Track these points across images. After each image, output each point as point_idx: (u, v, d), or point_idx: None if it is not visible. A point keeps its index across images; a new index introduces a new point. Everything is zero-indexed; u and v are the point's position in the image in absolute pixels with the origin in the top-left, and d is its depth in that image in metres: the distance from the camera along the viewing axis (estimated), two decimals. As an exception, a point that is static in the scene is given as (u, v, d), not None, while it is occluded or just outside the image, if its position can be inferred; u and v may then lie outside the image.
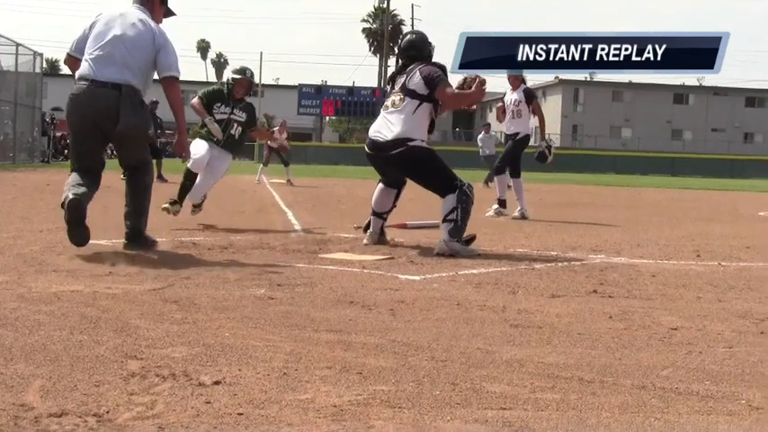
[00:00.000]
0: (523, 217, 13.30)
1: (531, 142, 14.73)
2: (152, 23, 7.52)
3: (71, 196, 6.96)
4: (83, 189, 7.11)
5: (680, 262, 7.94)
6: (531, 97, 13.99)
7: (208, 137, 10.18)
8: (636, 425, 3.04)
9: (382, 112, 8.41)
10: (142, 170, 7.62)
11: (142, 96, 7.44)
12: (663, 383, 3.59)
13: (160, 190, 12.92)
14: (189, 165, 9.84)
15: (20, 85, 34.13)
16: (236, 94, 10.41)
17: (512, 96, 13.97)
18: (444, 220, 7.91)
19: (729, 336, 4.65)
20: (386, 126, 8.26)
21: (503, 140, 14.92)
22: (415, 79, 8.24)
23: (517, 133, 13.93)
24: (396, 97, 8.30)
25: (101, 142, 7.59)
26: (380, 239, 8.45)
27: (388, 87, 8.61)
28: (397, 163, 8.22)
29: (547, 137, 14.52)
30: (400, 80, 8.35)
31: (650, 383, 3.58)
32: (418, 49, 8.55)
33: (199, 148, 10.05)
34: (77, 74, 7.40)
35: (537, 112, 14.14)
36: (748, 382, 3.68)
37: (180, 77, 7.67)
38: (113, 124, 7.23)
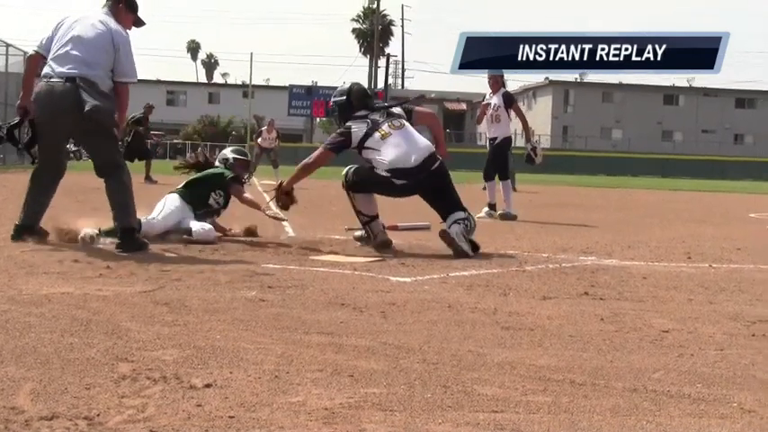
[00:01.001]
0: (509, 216, 13.33)
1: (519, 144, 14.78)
2: (113, 25, 7.71)
3: (18, 222, 7.75)
4: (29, 216, 7.76)
5: (671, 264, 7.95)
6: (509, 102, 14.06)
7: (189, 200, 8.76)
8: (627, 428, 3.04)
9: (383, 142, 8.22)
10: (117, 172, 7.70)
11: (102, 90, 7.57)
12: (654, 386, 3.59)
13: (150, 192, 12.91)
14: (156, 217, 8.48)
15: (10, 85, 33.95)
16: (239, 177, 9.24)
17: (491, 101, 14.01)
18: (456, 222, 8.03)
19: (721, 338, 4.66)
20: (407, 146, 8.24)
21: (486, 144, 14.95)
22: (397, 109, 8.58)
23: (495, 138, 13.99)
24: (394, 121, 8.38)
25: (63, 138, 7.97)
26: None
27: (362, 127, 8.32)
28: (435, 178, 8.30)
29: (533, 139, 14.59)
30: (377, 115, 8.44)
31: (642, 386, 3.58)
32: (371, 97, 8.90)
33: (173, 208, 8.65)
34: (42, 74, 7.68)
35: (518, 115, 14.25)
36: (740, 384, 3.68)
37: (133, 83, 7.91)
38: (75, 115, 7.40)
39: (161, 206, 8.64)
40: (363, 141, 8.28)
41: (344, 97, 8.60)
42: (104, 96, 7.52)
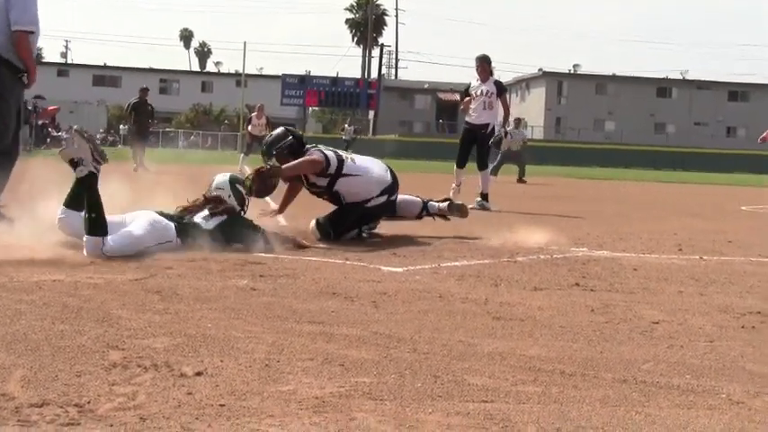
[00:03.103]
0: (485, 207, 13.57)
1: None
2: None
3: None
4: None
5: (662, 256, 7.97)
6: (502, 90, 14.19)
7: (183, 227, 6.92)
8: (617, 418, 3.05)
9: (356, 165, 8.35)
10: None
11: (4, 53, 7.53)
12: (644, 377, 3.60)
13: (141, 180, 12.87)
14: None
15: (2, 72, 33.87)
16: None
17: (483, 87, 14.01)
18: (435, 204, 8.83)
19: (710, 330, 4.68)
20: (374, 163, 8.60)
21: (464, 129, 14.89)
22: None
23: (487, 124, 14.01)
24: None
25: None
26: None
27: (331, 154, 8.27)
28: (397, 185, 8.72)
29: (508, 127, 14.69)
30: (321, 147, 8.50)
31: (631, 377, 3.59)
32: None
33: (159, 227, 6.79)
34: None
35: (504, 104, 14.30)
36: (729, 376, 3.70)
37: (34, 32, 7.69)
38: None
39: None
40: (340, 169, 8.19)
41: (290, 137, 8.41)
42: None
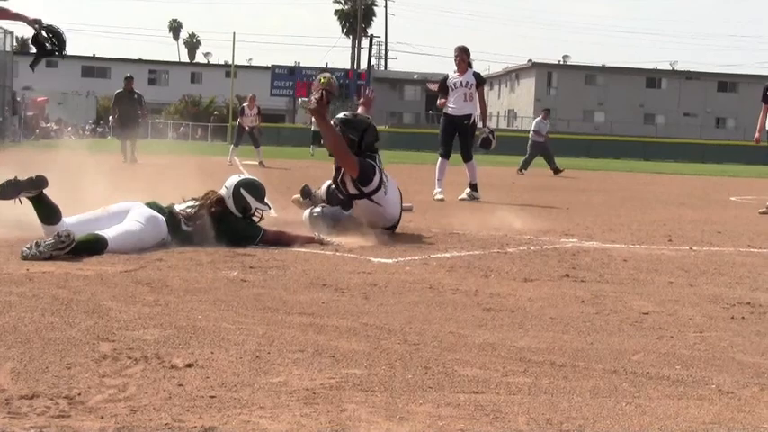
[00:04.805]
0: (474, 197, 13.63)
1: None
2: None
3: None
4: None
5: (652, 246, 7.98)
6: (481, 82, 14.23)
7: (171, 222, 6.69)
8: (607, 409, 3.06)
9: (386, 198, 7.98)
10: None
11: None
12: (634, 368, 3.61)
13: (131, 172, 12.83)
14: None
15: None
16: None
17: (461, 79, 14.01)
18: None
19: (700, 320, 4.69)
20: (396, 198, 8.24)
21: (441, 121, 14.85)
22: None
23: (469, 115, 14.01)
24: (381, 164, 8.29)
25: None
26: None
27: (378, 177, 7.92)
28: None
29: (489, 123, 14.73)
30: (376, 161, 8.16)
31: (621, 368, 3.60)
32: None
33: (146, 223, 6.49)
34: None
35: (482, 98, 14.31)
36: (719, 366, 3.71)
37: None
38: None
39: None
40: (372, 193, 7.87)
41: (360, 133, 7.98)
42: None
